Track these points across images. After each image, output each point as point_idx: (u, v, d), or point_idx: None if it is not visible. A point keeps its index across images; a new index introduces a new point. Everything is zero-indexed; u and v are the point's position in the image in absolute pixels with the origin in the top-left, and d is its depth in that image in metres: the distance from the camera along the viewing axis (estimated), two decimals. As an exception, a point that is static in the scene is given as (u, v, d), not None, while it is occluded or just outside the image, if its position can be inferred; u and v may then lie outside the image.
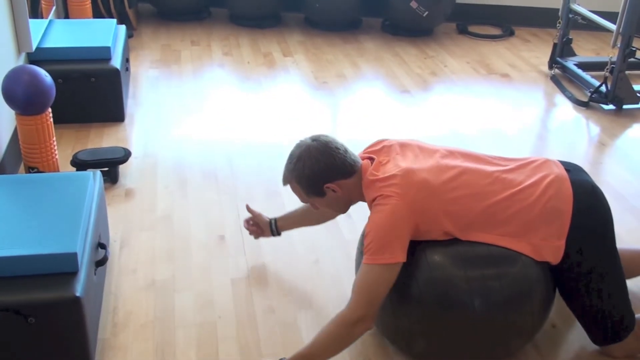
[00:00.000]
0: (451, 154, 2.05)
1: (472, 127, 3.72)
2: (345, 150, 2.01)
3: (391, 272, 1.86)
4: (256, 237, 2.52)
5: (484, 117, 3.87)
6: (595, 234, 1.97)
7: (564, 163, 2.08)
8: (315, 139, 2.00)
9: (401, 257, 1.86)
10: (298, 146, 2.02)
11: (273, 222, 2.47)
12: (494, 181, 1.95)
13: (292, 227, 2.48)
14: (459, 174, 1.95)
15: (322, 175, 1.97)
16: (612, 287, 1.98)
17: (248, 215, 2.51)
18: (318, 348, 1.90)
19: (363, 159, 2.07)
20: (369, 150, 2.10)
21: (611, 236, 2.00)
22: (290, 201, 2.84)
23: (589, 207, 1.96)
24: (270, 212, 2.79)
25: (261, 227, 2.49)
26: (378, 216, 1.87)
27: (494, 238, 1.91)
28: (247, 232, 2.64)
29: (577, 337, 2.19)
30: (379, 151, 2.06)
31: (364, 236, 1.91)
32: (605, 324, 2.03)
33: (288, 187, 2.07)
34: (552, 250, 1.92)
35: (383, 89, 4.14)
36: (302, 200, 2.09)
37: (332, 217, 2.38)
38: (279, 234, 2.48)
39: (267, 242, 2.58)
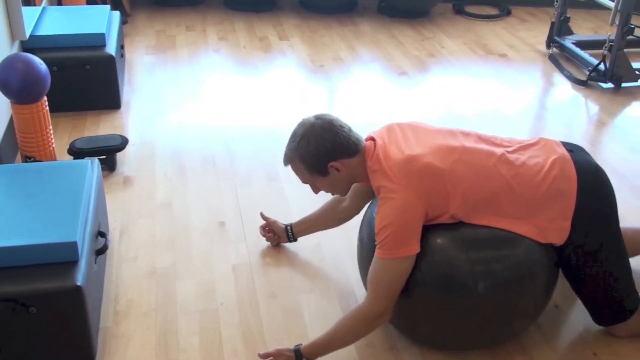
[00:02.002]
0: (454, 135, 2.03)
1: (471, 108, 3.70)
2: (349, 129, 1.98)
3: (408, 263, 1.86)
4: (274, 243, 2.51)
5: (482, 97, 3.85)
6: (600, 215, 1.96)
7: (565, 144, 2.06)
8: (319, 117, 1.97)
9: (416, 247, 1.85)
10: (301, 125, 1.98)
11: (289, 228, 2.46)
12: (498, 161, 1.93)
13: (308, 231, 2.47)
14: (462, 154, 1.93)
15: (327, 153, 1.94)
16: (617, 267, 1.97)
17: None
18: (337, 340, 1.93)
19: (366, 140, 2.05)
20: (372, 133, 2.08)
21: (615, 216, 1.99)
22: (289, 185, 2.83)
23: (593, 187, 1.95)
24: (269, 196, 2.79)
25: (277, 233, 2.48)
26: (388, 210, 1.85)
27: (498, 220, 1.89)
28: (247, 218, 2.64)
29: (580, 317, 2.19)
30: (381, 133, 2.04)
31: (374, 230, 1.88)
32: (610, 304, 2.03)
33: (288, 169, 2.05)
34: (558, 231, 1.91)
35: (380, 71, 4.12)
36: (303, 181, 2.06)
37: (347, 218, 2.35)
38: (295, 239, 2.47)
39: (268, 228, 2.57)
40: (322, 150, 1.94)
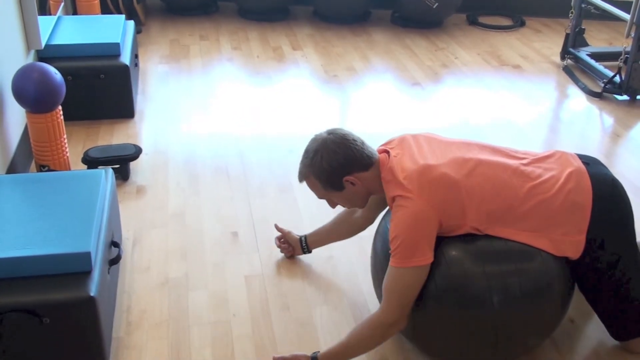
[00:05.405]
0: (468, 146, 2.02)
1: (484, 119, 3.68)
2: (362, 142, 1.98)
3: (422, 273, 1.85)
4: (288, 255, 2.49)
5: (496, 109, 3.83)
6: (617, 228, 1.94)
7: (581, 156, 2.05)
8: (331, 132, 1.97)
9: (430, 257, 1.84)
10: (314, 140, 1.98)
11: (303, 239, 2.45)
12: (513, 174, 1.92)
13: (322, 243, 2.46)
14: (477, 166, 1.92)
15: (341, 168, 1.93)
16: (633, 282, 1.94)
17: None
18: (351, 347, 1.93)
19: (379, 152, 2.04)
20: (384, 145, 2.07)
21: (632, 228, 1.97)
22: (302, 196, 2.83)
23: (609, 200, 1.93)
24: (282, 207, 2.78)
25: (292, 244, 2.47)
26: (402, 219, 1.84)
27: (513, 233, 1.88)
28: (260, 228, 2.63)
29: (596, 332, 2.16)
30: (395, 145, 2.03)
31: (388, 239, 1.87)
32: (626, 319, 2.00)
33: (303, 183, 2.04)
34: (572, 245, 1.89)
35: (393, 81, 4.11)
36: (319, 196, 2.06)
37: (361, 229, 2.34)
38: (309, 251, 2.46)
39: (281, 239, 2.56)
40: (335, 165, 1.93)
